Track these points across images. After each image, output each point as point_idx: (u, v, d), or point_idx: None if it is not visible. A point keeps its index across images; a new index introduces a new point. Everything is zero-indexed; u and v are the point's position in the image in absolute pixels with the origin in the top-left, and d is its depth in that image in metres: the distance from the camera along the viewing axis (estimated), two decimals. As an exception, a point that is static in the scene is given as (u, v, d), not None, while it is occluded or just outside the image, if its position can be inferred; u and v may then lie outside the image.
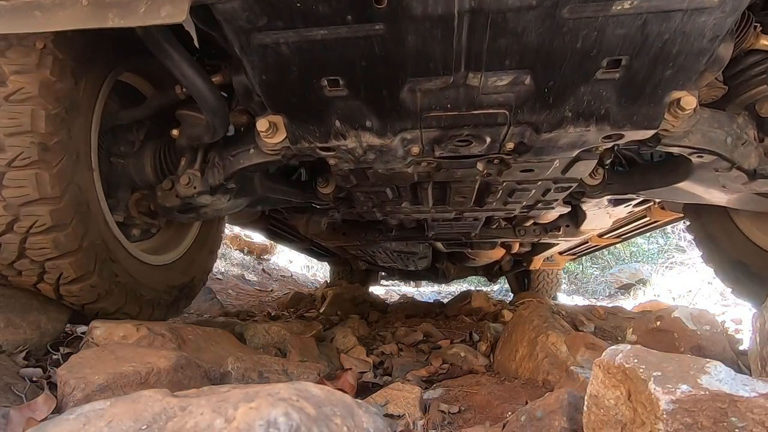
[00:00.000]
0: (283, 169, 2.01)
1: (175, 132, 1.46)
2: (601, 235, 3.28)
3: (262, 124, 1.19)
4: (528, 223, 2.71)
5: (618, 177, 1.77)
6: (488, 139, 1.24)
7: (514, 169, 1.45)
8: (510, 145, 1.26)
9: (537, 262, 4.29)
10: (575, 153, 1.31)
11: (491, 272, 5.41)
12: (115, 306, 1.46)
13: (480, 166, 1.44)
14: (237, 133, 1.51)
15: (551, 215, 2.49)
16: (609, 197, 1.96)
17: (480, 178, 1.57)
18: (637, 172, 1.79)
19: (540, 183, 1.63)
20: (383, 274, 6.43)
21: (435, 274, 5.21)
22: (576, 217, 2.53)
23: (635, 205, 2.29)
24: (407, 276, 6.18)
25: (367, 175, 1.53)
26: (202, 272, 2.09)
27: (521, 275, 5.69)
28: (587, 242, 3.53)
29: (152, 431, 0.52)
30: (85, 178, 1.28)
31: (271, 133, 1.21)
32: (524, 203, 1.91)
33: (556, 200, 1.87)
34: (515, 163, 1.39)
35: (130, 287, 1.49)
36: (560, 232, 2.64)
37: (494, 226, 2.72)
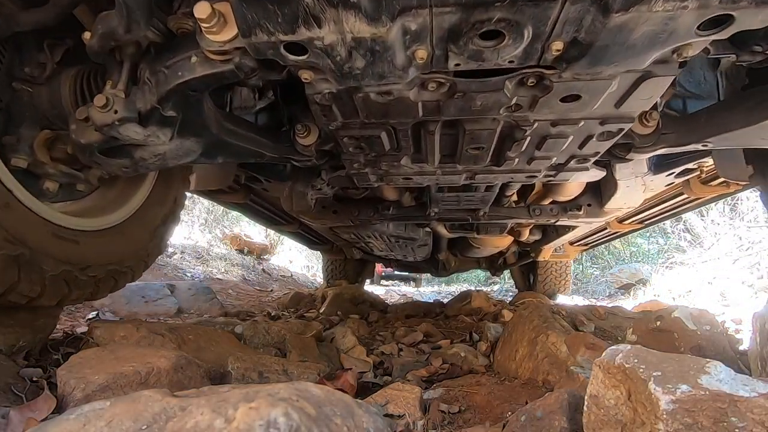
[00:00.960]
0: (267, 128, 1.64)
1: (86, 34, 1.09)
2: (622, 220, 2.88)
3: (202, 9, 0.84)
4: (545, 201, 2.31)
5: (677, 123, 1.36)
6: (529, 32, 0.86)
7: (553, 96, 1.06)
8: (557, 46, 0.88)
9: (546, 253, 3.76)
10: (648, 61, 0.92)
11: (495, 265, 4.89)
12: (55, 300, 1.31)
13: (509, 89, 1.05)
14: (174, 40, 1.12)
15: (572, 189, 2.12)
16: (663, 151, 1.45)
17: (505, 114, 1.18)
18: (706, 112, 1.35)
19: (582, 124, 1.21)
20: (384, 273, 6.35)
21: (435, 266, 4.72)
22: (600, 195, 2.18)
23: (678, 175, 1.89)
24: (405, 268, 5.54)
25: (356, 107, 1.14)
26: (179, 201, 1.79)
27: (527, 268, 5.17)
28: (605, 228, 3.13)
29: (152, 431, 0.52)
30: None
31: (216, 25, 0.88)
32: (554, 160, 1.50)
33: (596, 155, 1.44)
34: (558, 83, 1.01)
35: (68, 275, 1.30)
36: (581, 212, 2.23)
37: (505, 204, 2.28)
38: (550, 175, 1.68)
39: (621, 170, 1.82)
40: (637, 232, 3.87)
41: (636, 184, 1.92)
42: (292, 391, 0.56)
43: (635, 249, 10.13)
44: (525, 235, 3.12)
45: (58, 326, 1.68)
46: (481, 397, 1.26)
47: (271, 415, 0.50)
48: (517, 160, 1.49)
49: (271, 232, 6.62)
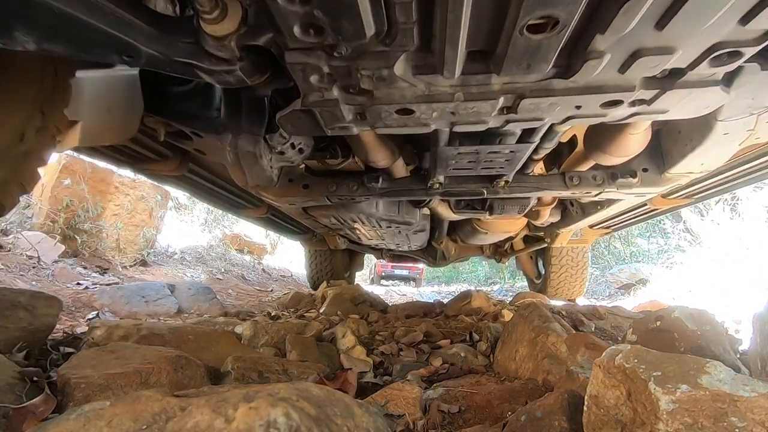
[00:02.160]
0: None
1: None
2: (667, 194, 2.26)
3: None
4: (584, 166, 1.71)
5: None
6: None
7: None
8: None
9: (563, 237, 3.09)
10: None
11: (500, 251, 4.22)
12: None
13: None
14: None
15: (633, 145, 1.42)
16: None
17: None
18: None
19: None
20: (384, 273, 6.20)
21: (432, 255, 4.13)
22: (662, 153, 1.59)
23: None
24: (398, 258, 4.76)
25: None
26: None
27: (536, 255, 4.48)
28: (644, 205, 2.47)
29: (152, 431, 0.52)
30: None
31: None
32: (675, 57, 0.83)
33: (759, 43, 0.78)
34: None
35: None
36: (635, 180, 1.62)
37: (531, 171, 1.71)
38: (643, 102, 1.00)
39: (736, 101, 1.08)
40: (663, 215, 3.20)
41: (738, 130, 1.25)
42: (292, 391, 0.56)
43: (635, 249, 10.15)
44: (544, 217, 2.40)
45: (58, 326, 1.68)
46: (481, 397, 1.26)
47: (271, 415, 0.50)
48: (607, 57, 0.82)
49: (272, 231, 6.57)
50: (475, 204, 2.19)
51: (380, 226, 2.41)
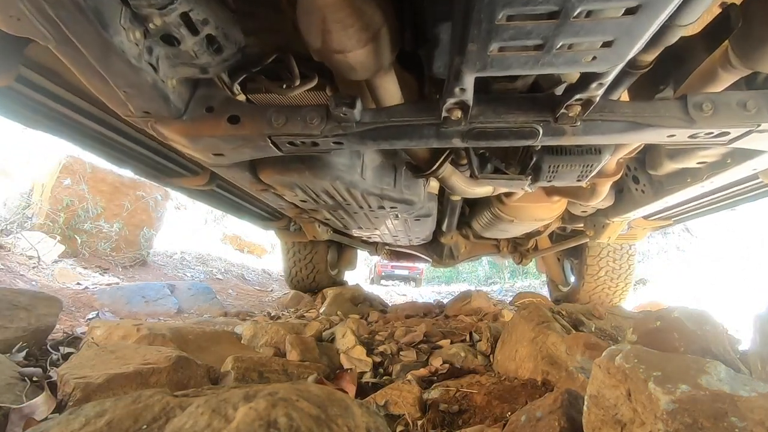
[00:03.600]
0: None
1: None
2: None
3: None
4: (720, 86, 1.04)
5: None
6: None
7: None
8: None
9: (614, 230, 2.28)
10: None
11: (521, 249, 3.32)
12: None
13: None
14: None
15: None
16: None
17: None
18: None
19: None
20: (384, 273, 5.87)
21: (438, 253, 3.38)
22: None
23: None
24: (397, 256, 3.89)
25: None
26: None
27: (564, 256, 3.55)
28: (756, 178, 1.55)
29: (152, 431, 0.52)
30: None
31: None
32: None
33: None
34: None
35: None
36: None
37: (616, 96, 1.03)
38: None
39: None
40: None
41: None
42: (293, 391, 0.56)
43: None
44: (601, 195, 1.71)
45: (58, 326, 1.68)
46: (481, 397, 1.26)
47: (272, 415, 0.50)
48: None
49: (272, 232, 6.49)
50: (510, 165, 1.46)
51: (369, 206, 1.68)
